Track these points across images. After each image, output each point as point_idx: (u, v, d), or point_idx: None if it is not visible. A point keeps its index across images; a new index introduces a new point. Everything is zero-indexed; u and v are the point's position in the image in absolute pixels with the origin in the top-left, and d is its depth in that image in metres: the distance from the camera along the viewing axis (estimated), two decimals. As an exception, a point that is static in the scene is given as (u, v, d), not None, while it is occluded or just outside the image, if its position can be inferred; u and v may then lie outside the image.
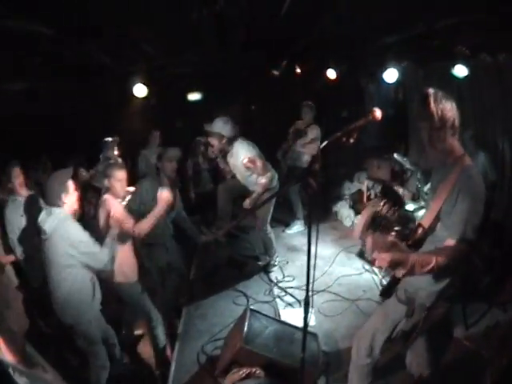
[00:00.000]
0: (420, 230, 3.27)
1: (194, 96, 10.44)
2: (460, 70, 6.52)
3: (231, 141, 6.45)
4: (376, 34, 6.90)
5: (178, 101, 10.53)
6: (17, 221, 5.70)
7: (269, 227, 6.99)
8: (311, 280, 3.19)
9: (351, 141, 3.03)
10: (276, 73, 9.52)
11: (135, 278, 5.40)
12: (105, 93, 8.92)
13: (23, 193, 5.82)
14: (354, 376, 3.97)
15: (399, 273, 3.02)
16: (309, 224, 3.10)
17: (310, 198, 3.07)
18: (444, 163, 3.26)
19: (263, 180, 6.41)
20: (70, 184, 4.52)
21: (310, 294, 3.25)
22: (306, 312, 3.24)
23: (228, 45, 7.43)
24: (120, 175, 5.15)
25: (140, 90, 8.42)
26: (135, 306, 5.56)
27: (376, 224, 3.17)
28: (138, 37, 6.46)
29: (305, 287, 5.94)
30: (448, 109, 3.08)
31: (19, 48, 5.56)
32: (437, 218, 3.21)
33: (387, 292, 3.68)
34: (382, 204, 3.04)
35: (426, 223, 3.25)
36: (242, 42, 7.59)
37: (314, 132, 8.76)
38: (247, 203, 6.50)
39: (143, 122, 10.32)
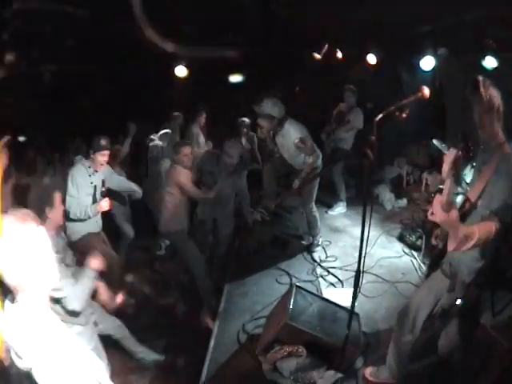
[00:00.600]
0: (467, 205, 3.42)
1: (236, 78, 10.53)
2: (490, 62, 6.57)
3: (281, 121, 6.54)
4: (414, 21, 6.92)
5: (220, 82, 10.62)
6: None
7: (314, 206, 7.08)
8: (362, 257, 3.38)
9: (404, 115, 3.21)
10: (318, 56, 9.55)
11: (183, 226, 6.17)
12: (145, 74, 9.15)
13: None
14: (393, 354, 4.08)
15: (451, 246, 3.06)
16: (365, 193, 3.26)
17: (367, 170, 3.20)
18: (489, 146, 3.43)
19: (311, 159, 6.53)
20: (57, 196, 4.38)
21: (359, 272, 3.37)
22: (356, 288, 3.46)
23: (271, 26, 7.52)
24: (186, 151, 6.25)
25: (181, 71, 8.67)
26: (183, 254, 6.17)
27: (456, 165, 3.41)
28: (180, 16, 6.61)
29: (347, 267, 6.18)
30: (494, 95, 3.26)
31: (56, 30, 5.79)
32: (480, 196, 3.35)
33: (433, 265, 3.88)
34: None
35: (473, 198, 3.39)
36: (285, 23, 7.66)
37: (356, 117, 8.81)
38: (296, 183, 6.58)
39: (186, 101, 10.49)
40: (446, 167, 3.19)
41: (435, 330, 4.31)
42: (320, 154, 6.79)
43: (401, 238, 7.68)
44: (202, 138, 9.64)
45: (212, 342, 5.06)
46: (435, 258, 3.88)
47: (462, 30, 6.36)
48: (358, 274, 3.33)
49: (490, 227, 3.09)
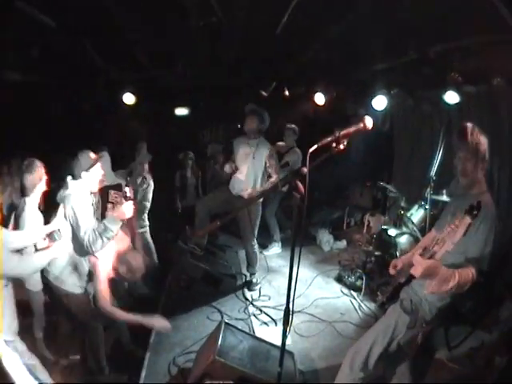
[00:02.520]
0: (436, 247, 3.35)
1: (181, 110, 10.28)
2: (451, 97, 6.42)
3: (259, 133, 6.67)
4: (367, 60, 6.89)
5: (166, 113, 10.40)
6: None
7: (256, 243, 7.02)
8: (292, 294, 3.12)
9: (341, 147, 2.99)
10: (264, 93, 9.43)
11: None
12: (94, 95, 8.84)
13: None
14: None
15: (429, 289, 3.17)
16: (294, 225, 3.04)
17: (296, 203, 2.96)
18: (470, 193, 3.47)
19: (274, 178, 6.59)
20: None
21: (290, 310, 3.16)
22: (286, 326, 3.16)
23: (220, 60, 7.39)
24: None
25: (129, 98, 8.51)
26: None
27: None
28: (134, 44, 6.44)
29: (280, 307, 5.95)
30: (482, 142, 3.33)
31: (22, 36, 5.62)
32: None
33: (387, 302, 3.77)
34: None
35: (442, 240, 3.33)
36: (234, 58, 7.52)
37: (294, 158, 8.63)
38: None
39: (131, 131, 10.24)
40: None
41: (386, 367, 4.08)
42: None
43: (339, 279, 7.54)
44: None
45: (143, 373, 4.86)
46: (393, 292, 3.72)
47: (423, 66, 6.35)
48: (288, 311, 3.05)
49: (469, 275, 3.14)
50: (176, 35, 6.11)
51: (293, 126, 8.84)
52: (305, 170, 2.91)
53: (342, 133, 2.98)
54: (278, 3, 5.02)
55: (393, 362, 3.95)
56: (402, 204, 7.54)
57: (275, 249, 8.97)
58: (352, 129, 3.00)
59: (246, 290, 6.95)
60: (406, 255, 3.93)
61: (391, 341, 3.63)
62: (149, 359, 5.09)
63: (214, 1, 5.00)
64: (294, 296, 3.17)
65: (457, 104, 6.46)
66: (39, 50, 6.13)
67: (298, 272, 2.99)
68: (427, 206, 6.65)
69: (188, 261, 6.58)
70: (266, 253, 8.74)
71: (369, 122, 2.97)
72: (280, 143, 8.89)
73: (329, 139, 3.03)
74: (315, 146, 3.00)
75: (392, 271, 3.80)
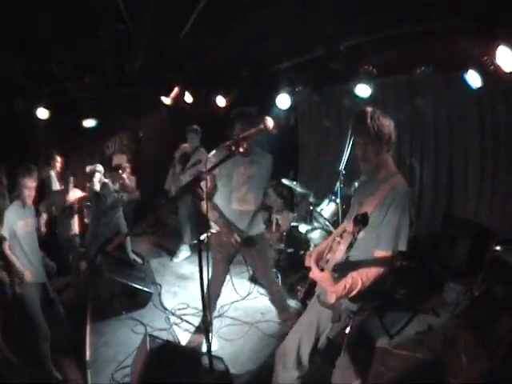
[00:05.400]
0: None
1: (88, 122, 10.01)
2: (363, 90, 6.43)
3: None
4: (270, 59, 6.96)
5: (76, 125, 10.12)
6: None
7: None
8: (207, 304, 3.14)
9: (241, 150, 3.03)
10: (166, 99, 9.40)
11: None
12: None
13: None
14: None
15: (331, 300, 3.05)
16: (198, 232, 3.05)
17: (197, 210, 3.02)
18: (375, 177, 3.38)
19: None
20: None
21: (208, 318, 3.19)
22: (207, 333, 3.29)
23: (124, 69, 7.32)
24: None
25: (42, 113, 8.42)
26: None
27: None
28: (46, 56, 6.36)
29: (199, 313, 5.94)
30: (385, 125, 3.23)
31: None
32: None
33: (306, 297, 3.89)
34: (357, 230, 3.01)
35: (350, 229, 3.18)
36: (139, 65, 7.48)
37: (198, 155, 8.52)
38: None
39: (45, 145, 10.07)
40: (342, 250, 3.05)
41: (324, 361, 4.12)
42: None
43: (253, 280, 7.46)
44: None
45: None
46: (310, 287, 3.75)
47: (332, 61, 6.38)
48: (205, 318, 3.10)
49: (378, 269, 3.08)
50: (84, 45, 6.02)
51: (195, 126, 8.74)
52: (204, 176, 2.95)
53: (242, 135, 3.04)
54: (182, 8, 5.04)
55: (329, 356, 3.94)
56: (311, 199, 7.61)
57: (184, 252, 8.88)
58: (252, 131, 3.06)
59: (163, 300, 6.90)
60: (319, 247, 3.75)
61: (318, 337, 3.60)
62: (91, 378, 5.01)
63: (123, 8, 4.97)
64: (210, 302, 3.19)
65: (370, 97, 6.48)
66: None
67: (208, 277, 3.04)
68: (338, 200, 6.66)
69: (106, 276, 6.49)
70: (175, 260, 8.74)
71: (270, 122, 3.03)
72: (185, 145, 8.87)
73: (227, 143, 3.10)
74: (213, 152, 3.08)
75: (307, 263, 3.57)
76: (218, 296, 5.77)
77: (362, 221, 2.79)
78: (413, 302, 5.74)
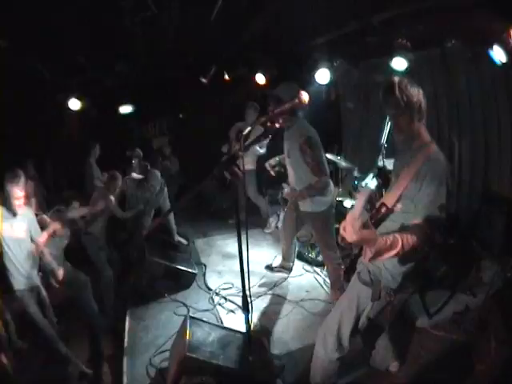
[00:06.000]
0: (383, 209, 3.25)
1: (125, 108, 10.04)
2: (399, 63, 6.30)
3: (294, 113, 5.07)
4: (307, 34, 6.82)
5: (112, 113, 10.18)
6: None
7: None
8: (247, 284, 3.07)
9: (276, 126, 2.94)
10: (204, 80, 9.29)
11: None
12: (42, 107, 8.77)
13: None
14: (318, 374, 3.84)
15: (366, 257, 2.98)
16: (237, 213, 2.95)
17: (235, 187, 2.89)
18: (410, 147, 3.30)
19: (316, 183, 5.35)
20: None
21: (249, 298, 3.06)
22: (247, 314, 3.10)
23: (158, 53, 7.26)
24: None
25: (74, 104, 8.39)
26: None
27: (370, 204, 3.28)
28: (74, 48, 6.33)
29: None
30: (414, 94, 3.17)
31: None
32: (397, 200, 3.23)
33: (349, 273, 3.69)
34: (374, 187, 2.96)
35: (390, 203, 3.24)
36: (171, 49, 7.39)
37: (257, 132, 8.32)
38: (289, 193, 5.70)
39: (81, 134, 10.34)
40: (359, 204, 2.91)
41: (364, 342, 4.09)
42: (328, 180, 5.50)
43: (299, 257, 7.39)
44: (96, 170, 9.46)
45: (125, 379, 4.77)
46: (352, 263, 3.63)
47: (366, 34, 6.27)
48: (246, 297, 2.96)
49: (416, 237, 2.99)
50: (113, 34, 5.97)
51: (253, 102, 8.57)
52: (240, 154, 2.84)
53: (276, 111, 2.93)
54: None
55: (369, 336, 3.92)
56: (356, 174, 7.48)
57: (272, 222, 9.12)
58: (287, 106, 2.95)
59: (208, 280, 6.83)
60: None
61: (358, 316, 3.56)
62: (126, 364, 4.99)
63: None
64: (249, 281, 3.10)
65: (406, 70, 6.33)
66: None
67: (248, 255, 3.01)
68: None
69: (147, 259, 6.45)
70: (266, 231, 8.95)
71: (305, 96, 2.91)
72: (239, 123, 8.72)
73: (263, 119, 2.99)
74: (248, 129, 2.95)
75: (340, 241, 3.39)
76: (292, 245, 6.51)
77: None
78: (452, 281, 5.54)
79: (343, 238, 3.16)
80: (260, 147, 8.38)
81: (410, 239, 2.98)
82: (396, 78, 3.21)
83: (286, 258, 6.75)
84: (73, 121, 9.73)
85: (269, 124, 2.97)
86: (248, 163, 8.40)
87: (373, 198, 3.17)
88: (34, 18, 5.02)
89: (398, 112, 3.20)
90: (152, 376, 4.74)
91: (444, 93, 7.02)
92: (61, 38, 5.79)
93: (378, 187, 3.12)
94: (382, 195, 3.86)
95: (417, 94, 3.19)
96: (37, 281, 5.56)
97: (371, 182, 6.57)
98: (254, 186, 8.83)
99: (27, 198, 5.59)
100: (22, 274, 5.32)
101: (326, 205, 5.46)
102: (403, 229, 3.13)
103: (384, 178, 2.93)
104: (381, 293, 3.37)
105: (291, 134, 5.28)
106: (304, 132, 5.17)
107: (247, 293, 3.00)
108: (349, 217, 2.77)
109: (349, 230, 2.74)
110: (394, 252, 2.94)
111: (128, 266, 7.31)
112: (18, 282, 5.30)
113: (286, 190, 5.66)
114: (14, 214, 5.27)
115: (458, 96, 6.90)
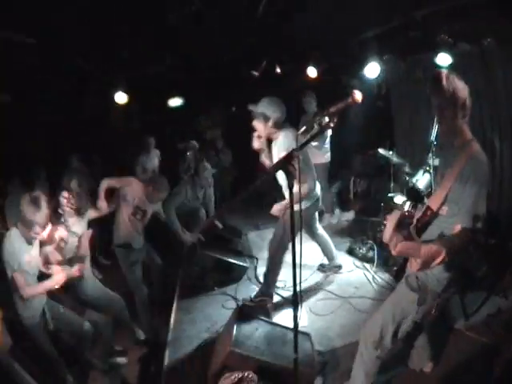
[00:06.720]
0: (429, 213, 3.24)
1: (175, 101, 10.14)
2: (443, 59, 6.31)
3: (278, 125, 5.46)
4: (355, 29, 6.80)
5: (160, 106, 10.28)
6: None
7: (319, 228, 6.61)
8: (298, 279, 3.00)
9: (331, 124, 2.94)
10: (255, 73, 9.32)
11: None
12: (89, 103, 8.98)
13: None
14: (360, 370, 3.85)
15: (414, 267, 3.11)
16: (291, 211, 2.92)
17: (291, 186, 2.90)
18: (452, 144, 3.28)
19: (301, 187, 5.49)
20: None
21: (299, 292, 3.09)
22: (296, 311, 3.06)
23: (207, 47, 7.30)
24: None
25: (121, 98, 8.39)
26: None
27: (402, 224, 3.11)
28: (117, 43, 6.40)
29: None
30: (460, 88, 3.14)
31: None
32: (443, 203, 3.20)
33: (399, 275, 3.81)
34: (407, 207, 2.96)
35: (434, 206, 3.22)
36: (221, 43, 7.43)
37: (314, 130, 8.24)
38: (275, 209, 5.58)
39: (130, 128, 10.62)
40: (389, 227, 2.92)
41: (404, 343, 4.09)
42: (315, 185, 5.70)
43: (351, 252, 7.49)
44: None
45: (165, 371, 4.83)
46: (400, 268, 3.67)
47: (410, 29, 6.27)
48: (295, 292, 2.97)
49: (460, 241, 3.01)
50: (158, 29, 6.04)
51: (310, 92, 8.74)
52: (296, 154, 2.85)
53: (331, 110, 2.93)
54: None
55: (410, 337, 3.91)
56: (407, 170, 7.39)
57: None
58: (341, 105, 2.94)
59: (259, 274, 6.75)
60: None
61: (402, 319, 3.57)
62: (169, 356, 5.05)
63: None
64: (301, 276, 3.12)
65: (450, 66, 6.29)
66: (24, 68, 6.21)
67: (301, 251, 2.94)
68: (432, 171, 6.36)
69: (197, 252, 6.54)
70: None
71: (358, 95, 2.91)
72: (303, 116, 8.82)
73: (317, 117, 3.00)
74: (304, 128, 2.97)
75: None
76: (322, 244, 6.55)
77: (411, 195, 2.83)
78: (490, 281, 5.47)
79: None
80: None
81: (455, 244, 3.00)
82: (443, 70, 3.20)
83: (328, 257, 6.76)
84: (119, 114, 9.86)
85: (323, 123, 2.97)
86: (318, 158, 8.37)
87: (405, 217, 3.14)
88: (74, 13, 5.05)
89: (442, 104, 3.18)
90: (193, 369, 4.80)
91: (484, 90, 6.91)
92: (107, 32, 5.87)
93: (412, 205, 3.10)
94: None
95: (463, 88, 3.16)
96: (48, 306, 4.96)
97: (402, 201, 6.54)
98: (325, 179, 8.82)
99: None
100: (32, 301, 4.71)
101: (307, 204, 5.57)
102: (448, 233, 3.12)
103: (416, 195, 2.93)
104: (427, 297, 3.40)
105: (278, 146, 5.42)
106: (289, 144, 5.21)
107: (297, 289, 3.02)
108: (384, 236, 2.87)
109: (391, 245, 2.84)
110: (438, 260, 3.00)
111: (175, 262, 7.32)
112: (28, 308, 4.70)
113: (274, 207, 5.55)
114: (30, 243, 4.63)
115: (496, 94, 6.82)
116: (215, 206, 8.39)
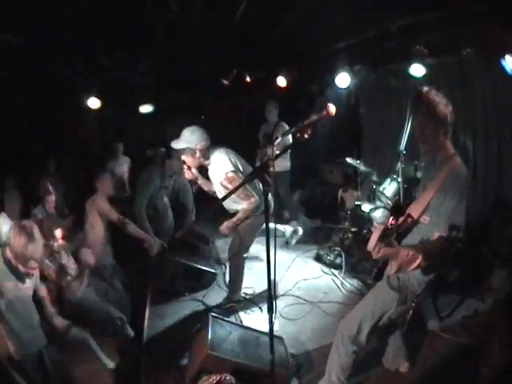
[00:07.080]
0: (409, 220, 3.33)
1: (146, 108, 10.11)
2: (417, 70, 6.40)
3: (206, 153, 5.48)
4: (327, 39, 6.89)
5: (132, 113, 10.24)
6: None
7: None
8: (272, 282, 3.12)
9: (305, 136, 3.02)
10: (225, 82, 9.37)
11: None
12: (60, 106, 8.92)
13: None
14: (334, 366, 3.91)
15: (392, 270, 3.26)
16: (265, 217, 3.02)
17: (266, 194, 2.99)
18: (434, 159, 3.41)
19: (246, 205, 5.46)
20: None
21: (273, 293, 3.19)
22: (271, 313, 3.17)
23: (181, 54, 7.33)
24: None
25: (94, 103, 8.37)
26: None
27: (386, 236, 3.13)
28: (94, 48, 6.41)
29: (263, 294, 5.96)
30: (441, 105, 3.22)
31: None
32: (423, 212, 3.32)
33: (378, 276, 3.84)
34: (390, 220, 3.06)
35: (415, 214, 3.33)
36: (193, 51, 7.47)
37: (280, 130, 8.33)
38: (224, 227, 5.68)
39: (101, 134, 10.58)
40: (374, 239, 3.04)
41: (379, 342, 4.22)
42: (258, 199, 5.41)
43: (318, 259, 7.59)
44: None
45: (143, 377, 4.83)
46: (380, 269, 3.79)
47: (385, 40, 6.36)
48: (271, 297, 3.05)
49: (437, 249, 3.15)
50: (135, 35, 6.07)
51: (273, 101, 8.86)
52: (270, 162, 2.93)
53: (306, 122, 3.01)
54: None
55: (385, 334, 4.04)
56: (374, 178, 7.55)
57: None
58: (315, 117, 3.01)
59: (227, 280, 6.64)
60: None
61: (381, 316, 3.65)
62: (145, 362, 5.06)
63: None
64: (275, 281, 3.20)
65: (424, 76, 6.43)
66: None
67: (275, 256, 3.09)
68: (399, 180, 6.48)
69: (167, 258, 6.56)
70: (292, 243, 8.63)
71: (332, 108, 2.98)
72: (264, 125, 9.01)
73: (292, 130, 3.08)
74: (279, 139, 3.07)
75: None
76: None
77: (395, 211, 3.07)
78: (464, 285, 5.67)
79: (369, 252, 3.32)
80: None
81: (432, 250, 3.14)
82: (426, 88, 3.29)
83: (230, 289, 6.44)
84: (91, 120, 9.82)
85: (298, 135, 3.05)
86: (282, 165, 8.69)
87: (388, 230, 3.26)
88: (49, 14, 5.03)
89: (423, 121, 3.28)
90: (170, 373, 4.80)
91: (460, 100, 7.00)
92: (80, 36, 5.87)
93: (393, 219, 3.23)
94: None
95: (444, 105, 3.25)
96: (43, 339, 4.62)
97: (383, 217, 6.67)
98: (286, 188, 8.99)
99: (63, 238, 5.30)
100: (30, 333, 4.45)
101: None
102: (427, 240, 3.26)
103: (399, 211, 3.05)
104: (407, 298, 3.54)
105: (211, 172, 5.58)
106: (221, 168, 5.39)
107: (272, 293, 3.09)
108: (368, 245, 3.04)
109: (373, 252, 3.01)
110: (414, 265, 3.13)
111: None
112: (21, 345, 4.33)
113: (224, 224, 5.68)
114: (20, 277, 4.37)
115: (473, 104, 6.99)
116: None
